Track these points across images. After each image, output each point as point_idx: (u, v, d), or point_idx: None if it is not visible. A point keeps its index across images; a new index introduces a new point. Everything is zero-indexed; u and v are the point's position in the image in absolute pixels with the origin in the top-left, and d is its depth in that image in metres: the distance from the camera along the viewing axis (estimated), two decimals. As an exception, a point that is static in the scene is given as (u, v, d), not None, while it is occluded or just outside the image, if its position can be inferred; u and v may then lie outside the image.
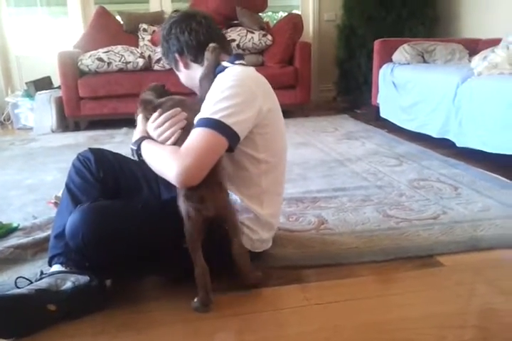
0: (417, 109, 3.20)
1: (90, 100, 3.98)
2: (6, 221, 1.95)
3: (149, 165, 1.30)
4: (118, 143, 3.52)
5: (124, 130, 3.94)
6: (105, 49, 4.09)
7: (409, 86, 3.34)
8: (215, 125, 1.22)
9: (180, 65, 1.48)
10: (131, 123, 3.79)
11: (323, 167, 2.62)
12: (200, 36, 1.42)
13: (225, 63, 1.38)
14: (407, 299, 1.30)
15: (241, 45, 4.26)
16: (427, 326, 1.18)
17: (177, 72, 1.53)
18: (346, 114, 4.36)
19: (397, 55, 3.72)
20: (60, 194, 2.06)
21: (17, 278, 1.30)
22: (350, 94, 4.71)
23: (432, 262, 1.50)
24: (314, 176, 2.45)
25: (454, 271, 1.44)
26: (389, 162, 2.69)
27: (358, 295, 1.33)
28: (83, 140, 3.68)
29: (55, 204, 2.04)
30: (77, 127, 4.09)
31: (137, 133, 1.39)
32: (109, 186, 1.50)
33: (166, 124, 1.30)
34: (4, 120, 4.48)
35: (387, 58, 3.80)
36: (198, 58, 1.44)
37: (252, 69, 1.40)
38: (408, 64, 3.60)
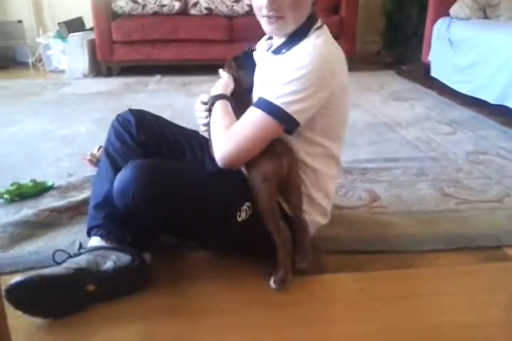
0: (474, 71, 2.93)
1: (124, 44, 3.79)
2: (41, 177, 1.87)
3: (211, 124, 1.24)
4: (151, 91, 3.38)
5: (158, 78, 3.78)
6: (141, -11, 3.83)
7: (468, 44, 3.05)
8: (274, 111, 1.12)
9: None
10: (164, 70, 3.59)
11: (371, 132, 2.44)
12: None
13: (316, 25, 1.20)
14: (472, 300, 1.19)
15: (284, -11, 3.94)
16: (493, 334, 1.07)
17: (289, 10, 1.15)
18: (392, 70, 4.08)
19: (455, 9, 3.39)
20: (95, 151, 1.97)
21: (55, 252, 1.22)
22: (397, 48, 4.39)
23: (500, 255, 1.36)
24: (362, 142, 2.29)
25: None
26: (442, 129, 2.49)
27: (417, 290, 1.22)
28: (116, 87, 3.54)
29: (90, 161, 1.95)
30: (109, 72, 3.93)
31: (218, 86, 1.31)
32: (151, 151, 1.39)
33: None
34: (36, 61, 4.35)
35: (443, 11, 3.47)
36: None
37: (333, 40, 1.22)
38: (468, 19, 3.29)
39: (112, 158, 1.34)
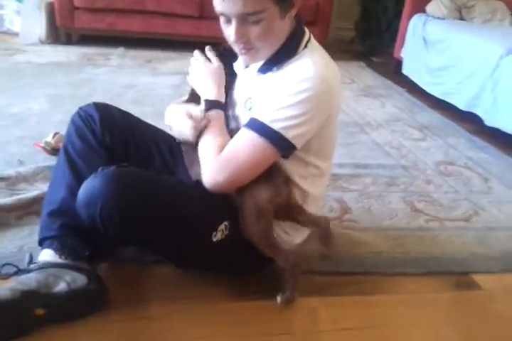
0: (447, 74, 2.91)
1: (86, 11, 3.52)
2: (-13, 163, 1.71)
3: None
4: (114, 66, 3.18)
5: (121, 50, 3.56)
6: (108, -49, 3.54)
7: (442, 46, 3.02)
8: (271, 135, 1.02)
9: (290, 12, 1.03)
10: (128, 42, 3.34)
11: (343, 131, 2.38)
12: None
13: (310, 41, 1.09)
14: (436, 335, 1.16)
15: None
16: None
17: (260, 41, 1.04)
18: (363, 61, 4.02)
19: (432, 7, 3.35)
20: (49, 139, 1.81)
21: (2, 266, 1.09)
22: (370, 38, 4.32)
23: (468, 282, 1.35)
24: (333, 143, 2.22)
25: (492, 298, 1.30)
26: (412, 134, 2.47)
27: (387, 320, 1.19)
28: (75, 58, 3.31)
29: (44, 149, 1.80)
30: (68, 40, 3.66)
31: (208, 75, 1.16)
32: (116, 153, 1.25)
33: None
34: (-15, 20, 3.98)
35: (420, 8, 3.42)
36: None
37: (326, 53, 1.11)
38: (443, 19, 3.25)
39: (72, 160, 1.20)
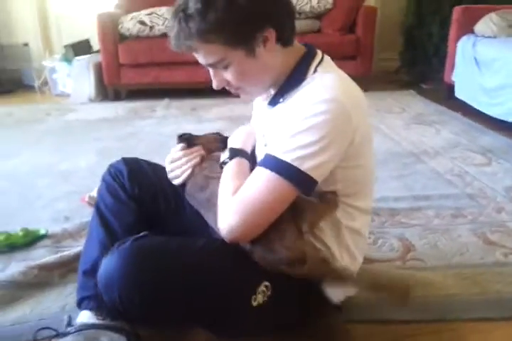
0: (505, 93, 2.71)
1: (131, 67, 3.65)
2: (34, 221, 1.70)
3: None
4: (159, 118, 3.22)
5: (166, 101, 3.64)
6: (148, 10, 3.69)
7: (497, 65, 2.84)
8: (285, 170, 0.90)
9: (261, 47, 0.95)
10: (172, 93, 3.39)
11: (396, 163, 2.24)
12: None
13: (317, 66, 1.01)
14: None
15: (297, 7, 3.77)
16: None
17: (241, 82, 1.00)
18: (412, 89, 3.88)
19: (481, 26, 3.20)
20: (94, 193, 1.79)
21: (38, 330, 1.03)
22: (416, 66, 4.19)
23: None
24: (387, 176, 2.08)
25: None
26: (475, 159, 2.28)
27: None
28: (123, 112, 3.39)
29: (89, 204, 1.77)
30: (117, 96, 3.79)
31: (239, 135, 1.14)
32: (146, 206, 1.22)
33: (183, 160, 1.13)
34: (42, 85, 4.23)
35: (467, 29, 3.28)
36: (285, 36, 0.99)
37: (344, 75, 1.01)
38: (495, 37, 3.09)
39: (103, 217, 1.17)
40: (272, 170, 0.91)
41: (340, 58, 3.73)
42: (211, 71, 1.00)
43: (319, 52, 1.03)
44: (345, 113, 0.91)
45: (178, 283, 0.88)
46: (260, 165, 0.94)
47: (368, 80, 3.98)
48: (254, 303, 0.93)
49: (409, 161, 2.26)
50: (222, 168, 1.05)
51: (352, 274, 1.08)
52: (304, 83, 0.97)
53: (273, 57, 0.98)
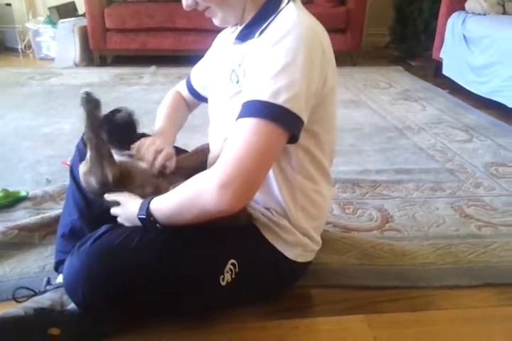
0: (492, 72, 2.73)
1: (117, 32, 3.57)
2: (16, 182, 1.70)
3: (175, 222, 0.92)
4: (146, 84, 3.18)
5: (153, 69, 3.57)
6: (137, -27, 3.60)
7: (485, 42, 2.84)
8: (277, 114, 0.83)
9: None
10: (160, 60, 3.35)
11: (381, 136, 2.26)
12: None
13: None
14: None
15: (290, -23, 3.70)
16: None
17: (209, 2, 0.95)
18: (400, 65, 3.87)
19: (471, 3, 3.17)
20: (77, 156, 1.78)
21: (16, 289, 1.05)
22: (406, 42, 4.17)
23: (530, 294, 1.19)
24: (370, 149, 2.10)
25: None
26: (457, 135, 2.30)
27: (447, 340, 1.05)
28: (108, 78, 3.33)
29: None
30: (102, 62, 3.71)
31: (130, 206, 0.97)
32: None
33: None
34: (25, 48, 4.11)
35: (458, 5, 3.26)
36: None
37: (310, 15, 0.96)
38: (485, 15, 3.08)
39: (78, 182, 1.15)
40: (263, 117, 0.83)
41: (330, 31, 3.63)
42: None
43: None
44: (316, 39, 0.88)
45: (142, 278, 0.90)
46: (245, 116, 0.85)
47: (358, 55, 3.96)
48: (223, 283, 0.95)
49: (393, 135, 2.28)
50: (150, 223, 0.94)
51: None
52: (277, 17, 0.92)
53: None
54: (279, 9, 0.93)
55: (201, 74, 1.24)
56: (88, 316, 0.95)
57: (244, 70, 0.94)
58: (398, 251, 1.33)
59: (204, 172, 0.88)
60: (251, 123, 0.84)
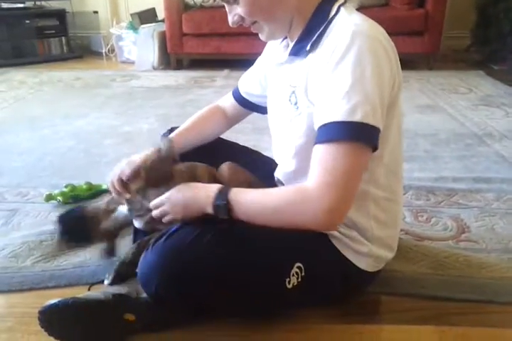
0: None
1: (193, 37, 3.68)
2: (97, 177, 1.80)
3: (252, 220, 0.92)
4: (219, 87, 3.26)
5: (226, 72, 3.65)
6: (215, -20, 3.70)
7: None
8: (358, 132, 0.83)
9: None
10: (233, 64, 3.43)
11: (458, 143, 2.16)
12: None
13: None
14: None
15: (366, -21, 3.65)
16: None
17: (236, 3, 0.93)
18: (481, 70, 3.69)
19: None
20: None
21: (91, 286, 1.12)
22: (488, 45, 3.97)
23: None
24: (447, 156, 2.02)
25: None
26: (544, 144, 2.16)
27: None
28: (183, 81, 3.45)
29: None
30: (179, 65, 3.85)
31: (199, 193, 0.99)
32: None
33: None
34: (109, 52, 4.36)
35: (549, 6, 3.07)
36: None
37: (365, 18, 0.91)
38: None
39: None
40: (345, 138, 0.83)
41: (407, 34, 3.61)
42: (227, 7, 0.96)
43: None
44: (381, 46, 0.86)
45: (212, 277, 0.91)
46: (326, 142, 0.85)
47: (435, 58, 3.82)
48: (289, 286, 0.95)
49: (472, 142, 2.18)
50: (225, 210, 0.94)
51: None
52: (330, 27, 0.90)
53: None
54: (330, 17, 0.91)
55: (253, 82, 1.24)
56: (160, 305, 0.99)
57: (306, 91, 0.92)
58: (474, 263, 1.27)
59: (304, 188, 0.87)
60: (336, 147, 0.84)
